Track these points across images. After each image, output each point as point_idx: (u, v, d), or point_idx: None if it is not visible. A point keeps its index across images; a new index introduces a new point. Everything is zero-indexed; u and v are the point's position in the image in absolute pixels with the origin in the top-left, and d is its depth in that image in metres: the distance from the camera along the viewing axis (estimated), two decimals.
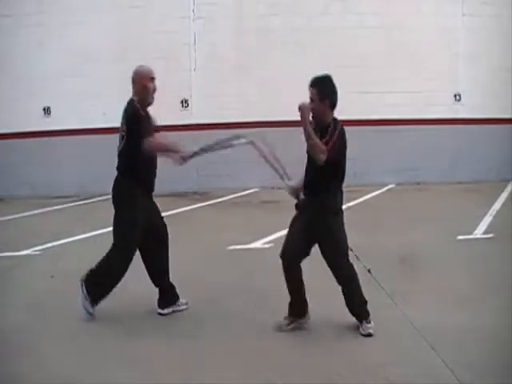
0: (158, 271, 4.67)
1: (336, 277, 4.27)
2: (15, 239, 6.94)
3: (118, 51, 9.61)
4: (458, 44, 10.36)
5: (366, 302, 4.29)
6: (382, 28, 10.10)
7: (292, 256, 4.28)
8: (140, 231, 4.46)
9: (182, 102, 10.04)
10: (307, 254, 4.34)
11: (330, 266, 4.28)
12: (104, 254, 4.56)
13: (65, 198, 9.60)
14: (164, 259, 4.67)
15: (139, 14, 9.86)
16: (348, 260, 4.29)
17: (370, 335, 4.13)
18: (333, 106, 4.19)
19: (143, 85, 4.44)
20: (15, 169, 9.87)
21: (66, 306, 4.77)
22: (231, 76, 9.82)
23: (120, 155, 4.49)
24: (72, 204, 9.30)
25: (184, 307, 4.71)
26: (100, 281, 4.53)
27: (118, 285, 4.96)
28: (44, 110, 10.02)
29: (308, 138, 4.00)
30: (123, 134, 4.43)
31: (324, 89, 4.14)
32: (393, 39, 10.14)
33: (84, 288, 4.53)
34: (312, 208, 4.27)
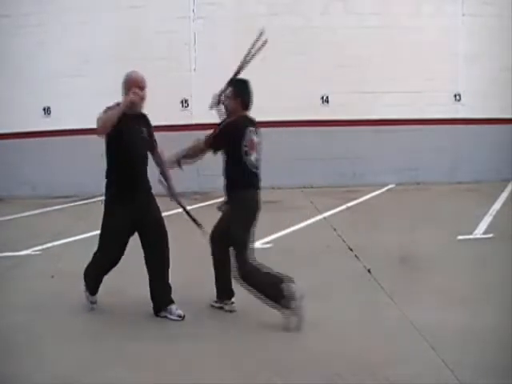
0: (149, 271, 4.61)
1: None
2: (15, 239, 6.94)
3: (118, 51, 9.60)
4: (458, 44, 10.36)
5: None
6: (382, 28, 10.10)
7: (218, 241, 4.58)
8: (115, 234, 4.48)
9: (181, 102, 10.05)
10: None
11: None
12: None
13: (65, 197, 9.60)
14: (155, 261, 4.55)
15: (139, 14, 9.86)
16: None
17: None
18: (245, 105, 4.55)
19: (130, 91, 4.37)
20: (15, 169, 9.87)
21: (66, 306, 4.77)
22: (231, 76, 9.80)
23: None
24: (72, 204, 9.30)
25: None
26: (88, 273, 4.72)
27: (118, 287, 4.97)
28: (44, 110, 10.02)
29: (189, 151, 4.57)
30: None
31: (239, 88, 4.57)
32: (393, 39, 10.14)
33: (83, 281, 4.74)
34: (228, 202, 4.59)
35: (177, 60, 9.95)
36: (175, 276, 5.26)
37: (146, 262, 4.59)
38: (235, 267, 4.42)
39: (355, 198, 8.82)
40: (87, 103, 9.68)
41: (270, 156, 10.13)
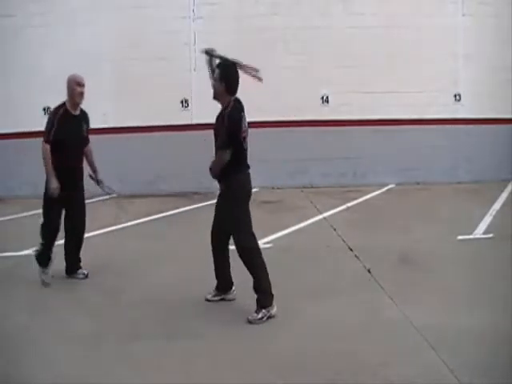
0: None
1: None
2: (15, 239, 6.93)
3: (119, 51, 9.61)
4: (457, 44, 10.35)
5: (269, 291, 4.50)
6: (381, 28, 10.10)
7: (215, 235, 4.75)
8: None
9: (182, 102, 10.04)
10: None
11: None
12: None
13: None
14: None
15: (139, 14, 9.86)
16: (244, 236, 4.62)
17: (249, 322, 4.39)
18: (228, 89, 4.57)
19: (71, 88, 5.40)
20: (15, 169, 9.87)
21: (67, 306, 4.77)
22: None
23: None
24: None
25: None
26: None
27: (118, 287, 4.98)
28: (44, 110, 10.00)
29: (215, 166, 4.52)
30: None
31: (224, 72, 4.59)
32: (393, 39, 10.14)
33: None
34: (220, 192, 4.74)
35: (177, 60, 9.94)
36: (175, 275, 5.28)
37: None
38: (237, 247, 4.54)
39: (355, 198, 8.82)
40: (87, 103, 9.68)
41: (270, 156, 10.21)
